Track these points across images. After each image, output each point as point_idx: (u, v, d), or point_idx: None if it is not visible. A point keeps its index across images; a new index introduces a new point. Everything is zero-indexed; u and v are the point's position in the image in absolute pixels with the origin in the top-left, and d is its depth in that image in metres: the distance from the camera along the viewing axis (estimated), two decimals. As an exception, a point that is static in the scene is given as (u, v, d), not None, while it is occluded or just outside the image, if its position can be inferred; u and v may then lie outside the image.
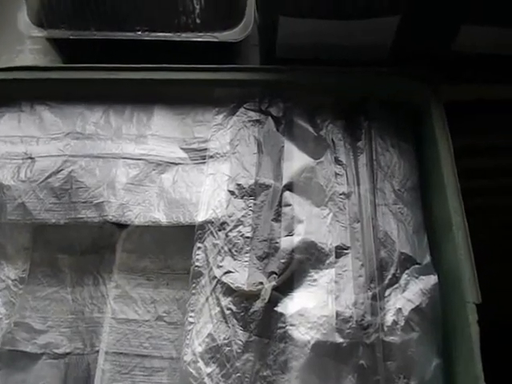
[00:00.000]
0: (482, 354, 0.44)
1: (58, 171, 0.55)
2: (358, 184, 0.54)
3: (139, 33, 0.60)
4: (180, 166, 0.56)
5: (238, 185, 0.54)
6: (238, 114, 0.58)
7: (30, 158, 0.56)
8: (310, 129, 0.57)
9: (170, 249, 0.55)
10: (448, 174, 0.51)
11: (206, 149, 0.57)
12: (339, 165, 0.55)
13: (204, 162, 0.56)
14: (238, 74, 0.58)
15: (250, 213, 0.52)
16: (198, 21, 0.60)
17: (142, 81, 0.58)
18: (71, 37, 0.61)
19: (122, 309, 0.53)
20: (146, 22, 0.60)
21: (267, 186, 0.53)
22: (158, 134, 0.58)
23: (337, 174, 0.55)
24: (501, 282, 0.86)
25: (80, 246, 0.56)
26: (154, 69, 0.58)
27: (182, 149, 0.57)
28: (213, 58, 0.63)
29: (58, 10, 0.60)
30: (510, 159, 0.73)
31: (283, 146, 0.56)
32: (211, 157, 0.56)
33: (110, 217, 0.53)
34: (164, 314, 0.53)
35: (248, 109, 0.58)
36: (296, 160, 0.55)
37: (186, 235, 0.53)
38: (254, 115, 0.58)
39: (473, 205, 0.54)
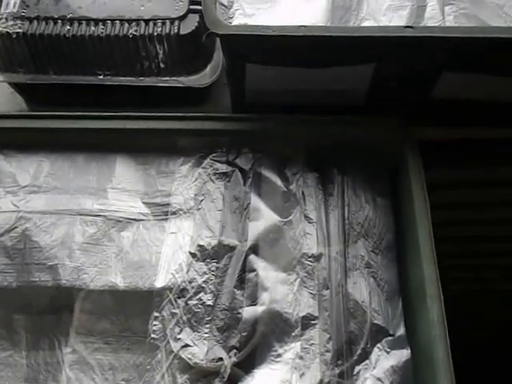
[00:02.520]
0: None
1: (11, 229, 0.52)
2: (329, 245, 0.51)
3: (100, 77, 0.57)
4: (141, 222, 0.53)
5: (201, 246, 0.50)
6: (203, 165, 0.55)
7: (-17, 213, 0.53)
8: (279, 182, 0.54)
9: (131, 309, 0.51)
10: (424, 240, 0.48)
11: (169, 203, 0.54)
12: (309, 223, 0.52)
13: (167, 218, 0.53)
14: (203, 123, 0.55)
15: (212, 278, 0.49)
16: (161, 65, 0.56)
17: (104, 130, 0.55)
18: (29, 81, 0.57)
19: (78, 376, 0.50)
20: (108, 66, 0.57)
21: (231, 248, 0.50)
22: (120, 186, 0.55)
23: (306, 234, 0.51)
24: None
25: (37, 306, 0.53)
26: (116, 117, 0.55)
27: (144, 203, 0.54)
28: (180, 101, 0.60)
29: (15, 54, 0.56)
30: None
31: (249, 203, 0.52)
32: (174, 213, 0.53)
33: (64, 281, 0.50)
34: (123, 383, 0.50)
35: (215, 160, 0.55)
36: (262, 219, 0.51)
37: (148, 294, 0.50)
38: (221, 167, 0.55)
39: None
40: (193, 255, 0.50)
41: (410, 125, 0.56)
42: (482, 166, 0.69)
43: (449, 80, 0.55)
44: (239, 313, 0.47)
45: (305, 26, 0.49)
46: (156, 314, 0.48)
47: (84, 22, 0.55)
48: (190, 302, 0.48)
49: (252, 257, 0.50)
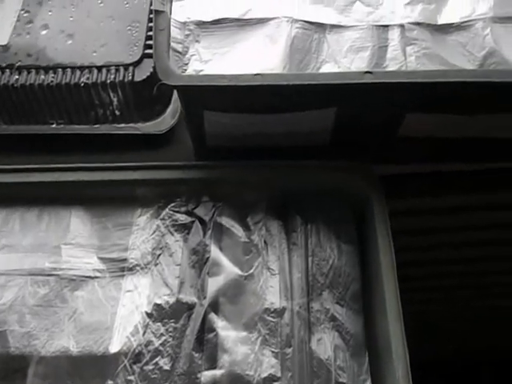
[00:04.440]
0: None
1: (-43, 295, 0.49)
2: (292, 298, 0.49)
3: (53, 126, 0.55)
4: (96, 280, 0.50)
5: (158, 305, 0.48)
6: (162, 216, 0.53)
7: None
8: (240, 233, 0.51)
9: (88, 372, 0.49)
10: (390, 295, 0.46)
11: (126, 259, 0.51)
12: (272, 274, 0.50)
13: (123, 275, 0.51)
14: (161, 173, 0.53)
15: (170, 339, 0.47)
16: (117, 112, 0.54)
17: (57, 183, 0.53)
18: (-22, 132, 0.55)
19: None
20: (60, 114, 0.55)
21: (190, 306, 0.48)
22: (74, 242, 0.52)
23: (268, 287, 0.49)
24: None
25: (-12, 372, 0.51)
26: (70, 169, 0.53)
27: (99, 258, 0.52)
28: (140, 146, 0.58)
29: (-37, 103, 0.54)
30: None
31: (209, 257, 0.50)
32: (130, 269, 0.51)
33: (13, 349, 0.47)
34: None
35: (174, 210, 0.53)
36: (223, 273, 0.49)
37: (103, 358, 0.47)
38: (180, 218, 0.52)
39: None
40: (149, 315, 0.48)
41: (375, 162, 0.55)
42: (444, 195, 0.68)
43: (413, 121, 0.53)
44: (198, 377, 0.45)
45: (260, 75, 0.47)
46: (110, 383, 0.45)
47: (33, 71, 0.53)
48: (145, 368, 0.46)
49: (211, 315, 0.47)
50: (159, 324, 0.47)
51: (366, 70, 0.48)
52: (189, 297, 0.48)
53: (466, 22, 0.52)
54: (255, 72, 0.47)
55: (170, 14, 0.51)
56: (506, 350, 1.05)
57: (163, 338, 0.47)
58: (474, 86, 0.47)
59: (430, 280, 0.90)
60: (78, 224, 0.53)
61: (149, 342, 0.46)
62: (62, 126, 0.55)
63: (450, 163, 0.61)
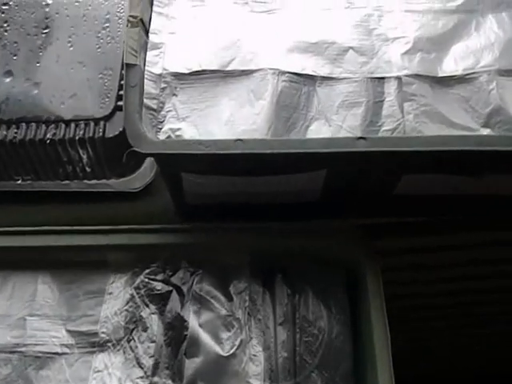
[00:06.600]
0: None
1: None
2: (277, 381, 0.45)
3: (18, 182, 0.50)
4: (64, 357, 0.46)
5: (130, 390, 0.44)
6: (137, 284, 0.48)
7: None
8: (222, 306, 0.47)
9: None
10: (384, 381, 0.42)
11: (96, 333, 0.47)
12: (255, 352, 0.46)
13: (93, 352, 0.47)
14: (134, 237, 0.48)
15: (141, 434, 0.43)
16: (87, 169, 0.49)
17: (23, 248, 0.48)
18: None
19: None
20: (26, 170, 0.50)
21: (165, 392, 0.44)
22: (40, 312, 0.48)
23: (251, 368, 0.45)
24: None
25: None
26: (36, 232, 0.48)
27: (68, 331, 0.48)
28: (115, 200, 0.53)
29: None
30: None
31: (186, 335, 0.46)
32: (101, 345, 0.47)
33: None
34: None
35: (149, 278, 0.49)
36: (201, 353, 0.45)
37: None
38: (157, 287, 0.48)
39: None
40: (120, 402, 0.44)
41: (367, 216, 0.53)
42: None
43: (410, 181, 0.49)
44: None
45: (242, 141, 0.42)
46: None
47: (-7, 126, 0.48)
48: None
49: (189, 404, 0.43)
50: (131, 414, 0.44)
51: (359, 135, 0.43)
52: (164, 380, 0.44)
53: (469, 74, 0.47)
54: (236, 137, 0.43)
55: (144, 65, 0.46)
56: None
57: (134, 431, 0.43)
58: (478, 152, 0.43)
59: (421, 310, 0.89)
60: (45, 291, 0.49)
61: None
62: (28, 182, 0.50)
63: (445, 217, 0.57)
